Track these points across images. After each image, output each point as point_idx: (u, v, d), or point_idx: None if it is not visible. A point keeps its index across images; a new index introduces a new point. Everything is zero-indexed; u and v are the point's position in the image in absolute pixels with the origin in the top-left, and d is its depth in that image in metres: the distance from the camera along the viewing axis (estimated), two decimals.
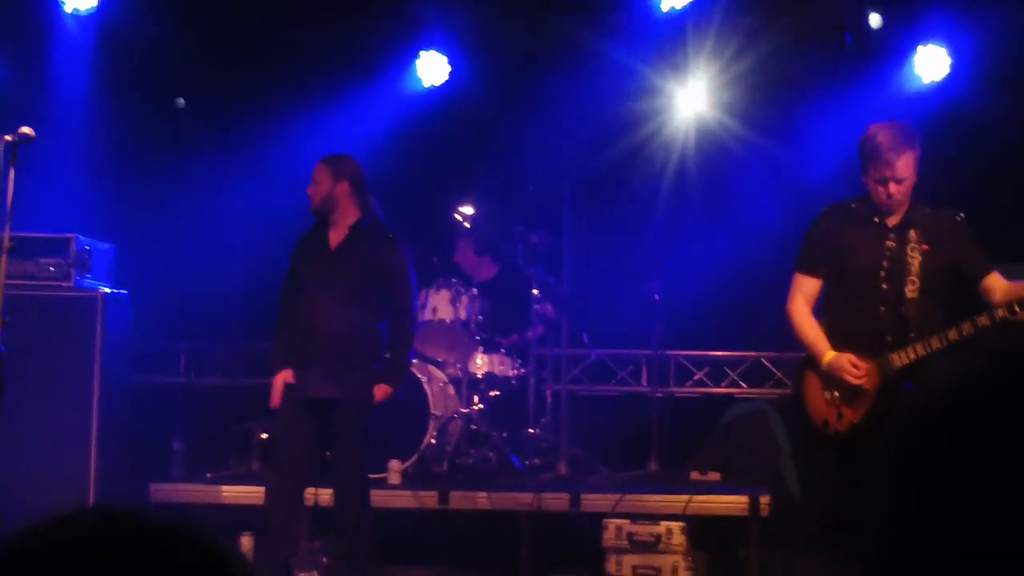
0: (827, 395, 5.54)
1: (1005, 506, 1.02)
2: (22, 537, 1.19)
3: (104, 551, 1.16)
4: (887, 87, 8.94)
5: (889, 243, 5.50)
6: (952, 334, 5.30)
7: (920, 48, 8.91)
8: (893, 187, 5.40)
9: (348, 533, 6.75)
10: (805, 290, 5.66)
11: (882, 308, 5.48)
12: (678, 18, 8.95)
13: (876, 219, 5.53)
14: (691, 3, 8.83)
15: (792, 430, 7.79)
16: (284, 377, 6.70)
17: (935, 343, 5.34)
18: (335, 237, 6.83)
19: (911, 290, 5.43)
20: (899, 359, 5.39)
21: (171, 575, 1.16)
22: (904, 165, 5.39)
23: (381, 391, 6.67)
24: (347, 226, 6.81)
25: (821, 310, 5.68)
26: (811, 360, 5.63)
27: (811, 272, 5.66)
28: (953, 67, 8.85)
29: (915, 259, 5.44)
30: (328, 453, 6.94)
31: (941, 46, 8.85)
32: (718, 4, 8.83)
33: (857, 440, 5.46)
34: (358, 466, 6.79)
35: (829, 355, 5.48)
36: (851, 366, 5.42)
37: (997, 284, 5.44)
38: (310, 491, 7.66)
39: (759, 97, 9.19)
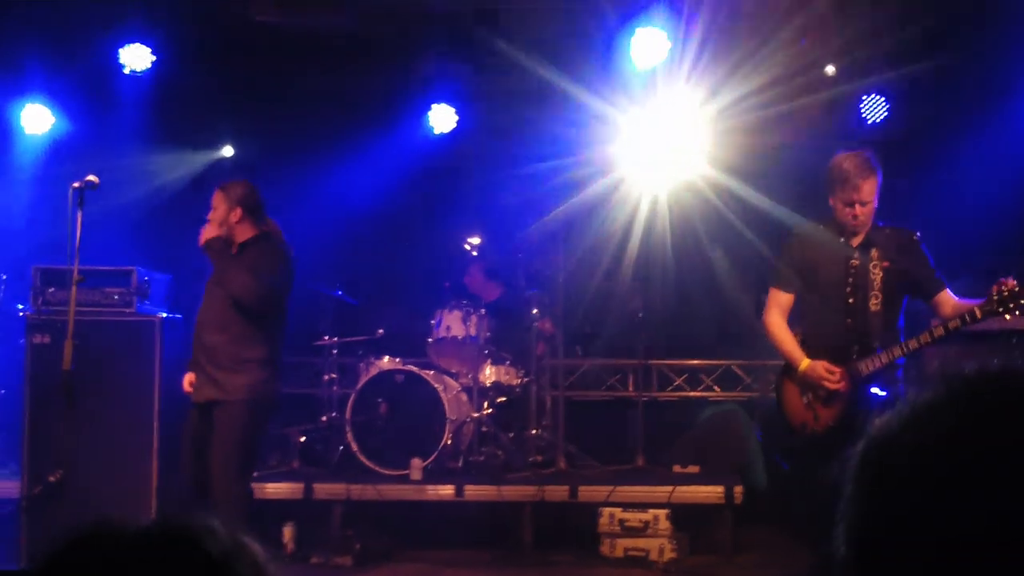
0: (805, 399, 5.46)
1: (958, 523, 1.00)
2: (85, 541, 1.17)
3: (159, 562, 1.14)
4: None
5: (854, 261, 5.41)
6: (912, 344, 5.23)
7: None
8: (859, 209, 5.31)
9: None
10: (780, 303, 5.58)
11: (848, 320, 5.40)
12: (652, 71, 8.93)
13: (842, 239, 5.44)
14: (664, 60, 8.80)
15: (767, 430, 7.71)
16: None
17: (897, 351, 5.28)
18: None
19: (874, 303, 5.36)
20: (866, 367, 5.30)
21: None
22: (869, 189, 5.30)
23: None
24: (239, 244, 6.41)
25: (795, 320, 5.60)
26: (788, 368, 5.55)
27: (784, 287, 5.57)
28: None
29: (877, 275, 5.37)
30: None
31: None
32: (686, 58, 8.81)
33: (831, 440, 5.35)
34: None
35: (805, 363, 5.40)
36: (827, 372, 5.34)
37: (947, 299, 5.35)
38: (342, 485, 7.67)
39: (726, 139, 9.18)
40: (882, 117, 8.92)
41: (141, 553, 1.14)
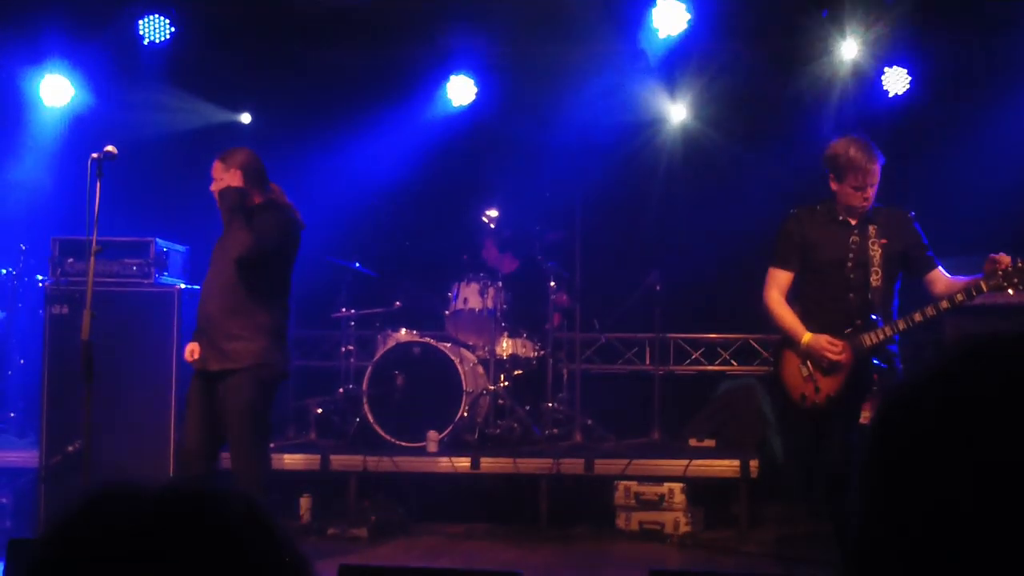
0: (804, 371, 5.55)
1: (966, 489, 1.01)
2: (102, 501, 1.18)
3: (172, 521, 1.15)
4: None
5: (853, 238, 5.55)
6: (916, 316, 5.33)
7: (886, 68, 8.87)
8: (868, 192, 5.47)
9: None
10: (779, 281, 5.69)
11: (851, 295, 5.51)
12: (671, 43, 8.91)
13: (840, 218, 5.58)
14: (684, 31, 8.78)
15: (774, 403, 7.77)
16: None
17: (900, 324, 5.40)
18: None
19: (875, 279, 5.49)
20: (869, 339, 5.42)
21: (228, 536, 1.15)
22: (876, 173, 5.47)
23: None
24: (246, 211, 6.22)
25: (793, 297, 5.70)
26: (787, 342, 5.65)
27: (784, 266, 5.68)
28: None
29: (876, 252, 5.51)
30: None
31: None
32: (704, 32, 8.78)
33: (832, 409, 5.49)
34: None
35: (807, 336, 5.50)
36: (830, 344, 5.45)
37: (940, 277, 5.50)
38: (358, 457, 7.71)
39: (740, 110, 9.17)
40: (904, 90, 8.85)
41: (157, 514, 1.14)
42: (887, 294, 5.53)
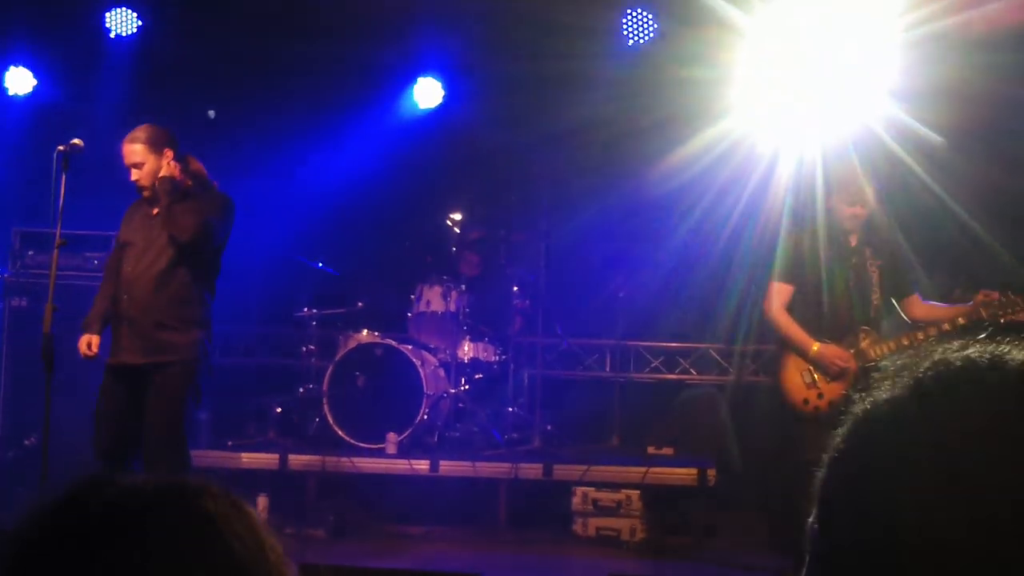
0: (807, 378, 5.88)
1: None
2: (86, 490, 1.18)
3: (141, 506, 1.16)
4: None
5: (854, 259, 5.93)
6: (920, 335, 5.72)
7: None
8: (859, 210, 5.85)
9: None
10: (782, 296, 5.99)
11: (854, 311, 5.90)
12: (640, 49, 8.95)
13: (841, 239, 5.92)
14: (652, 37, 8.83)
15: (769, 410, 7.87)
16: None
17: (905, 340, 5.77)
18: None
19: (875, 298, 5.91)
20: (874, 352, 5.79)
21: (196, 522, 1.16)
22: (870, 192, 5.87)
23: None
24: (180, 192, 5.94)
25: (794, 310, 5.99)
26: (789, 350, 5.95)
27: (786, 281, 5.98)
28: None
29: (874, 272, 5.91)
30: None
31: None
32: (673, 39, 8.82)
33: (834, 414, 5.69)
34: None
35: (816, 346, 5.86)
36: (838, 353, 5.81)
37: (918, 301, 5.98)
38: (317, 457, 7.69)
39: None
40: None
41: (141, 507, 1.15)
42: (884, 311, 5.95)
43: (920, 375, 1.12)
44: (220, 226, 5.90)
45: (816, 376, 5.87)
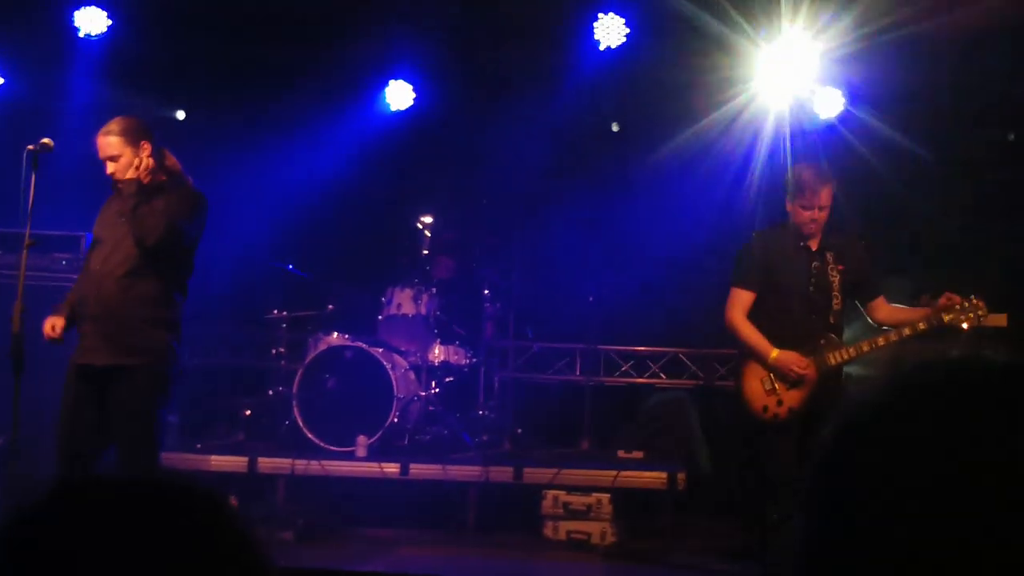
0: (767, 385, 5.85)
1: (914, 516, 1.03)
2: (77, 487, 1.18)
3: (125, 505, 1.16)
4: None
5: (815, 264, 5.89)
6: (880, 340, 5.74)
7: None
8: (817, 213, 5.79)
9: None
10: (743, 302, 5.96)
11: (813, 317, 5.86)
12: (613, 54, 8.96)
13: (801, 243, 5.89)
14: (624, 42, 8.83)
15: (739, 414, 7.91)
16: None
17: (864, 346, 5.77)
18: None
19: (836, 303, 5.87)
20: (834, 358, 5.78)
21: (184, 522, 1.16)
22: (826, 195, 5.80)
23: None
24: (153, 186, 5.73)
25: (754, 316, 5.96)
26: (749, 357, 5.92)
27: (747, 287, 5.96)
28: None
29: (835, 277, 5.87)
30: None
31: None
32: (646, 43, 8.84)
33: (793, 420, 5.80)
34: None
35: (775, 353, 5.82)
36: (797, 360, 5.77)
37: (882, 304, 5.95)
38: (287, 459, 7.66)
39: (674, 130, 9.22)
40: None
41: (126, 507, 1.15)
42: (845, 316, 5.93)
43: (906, 375, 1.13)
44: (189, 227, 5.73)
45: (776, 383, 5.84)
